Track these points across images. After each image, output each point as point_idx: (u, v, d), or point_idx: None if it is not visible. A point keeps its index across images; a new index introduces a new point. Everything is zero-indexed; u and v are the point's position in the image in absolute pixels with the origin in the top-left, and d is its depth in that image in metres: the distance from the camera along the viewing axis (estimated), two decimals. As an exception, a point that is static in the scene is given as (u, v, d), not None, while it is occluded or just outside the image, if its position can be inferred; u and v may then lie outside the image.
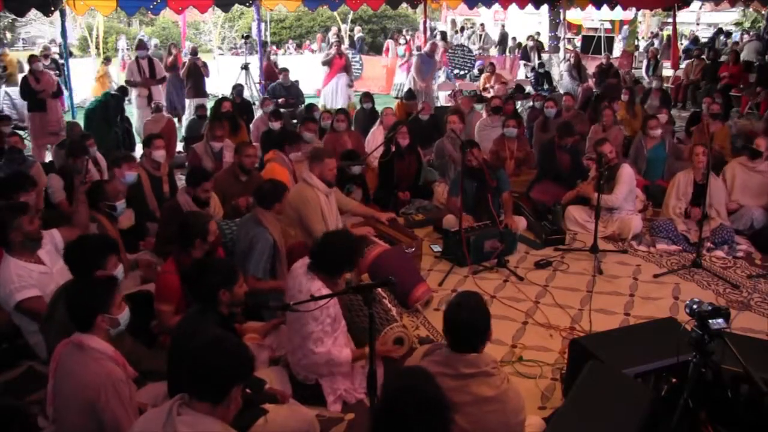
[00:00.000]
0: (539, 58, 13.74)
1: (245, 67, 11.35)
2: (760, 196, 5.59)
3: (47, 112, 8.05)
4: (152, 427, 2.04)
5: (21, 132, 7.81)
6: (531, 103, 9.58)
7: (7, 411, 2.09)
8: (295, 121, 8.97)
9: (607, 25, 18.47)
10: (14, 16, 14.72)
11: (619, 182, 5.56)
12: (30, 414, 2.81)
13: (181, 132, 9.09)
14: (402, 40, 16.17)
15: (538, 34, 15.85)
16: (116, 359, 2.53)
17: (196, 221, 3.60)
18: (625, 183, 5.56)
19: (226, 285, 2.87)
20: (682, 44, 18.32)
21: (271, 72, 11.80)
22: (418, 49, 11.10)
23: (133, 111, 9.43)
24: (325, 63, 11.63)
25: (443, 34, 14.81)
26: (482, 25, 18.28)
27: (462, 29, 19.37)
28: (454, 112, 6.91)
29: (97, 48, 16.12)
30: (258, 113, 8.88)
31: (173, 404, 2.04)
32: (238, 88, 9.39)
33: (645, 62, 14.26)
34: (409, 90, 9.70)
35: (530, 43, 14.95)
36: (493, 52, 16.94)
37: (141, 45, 9.61)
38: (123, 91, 8.91)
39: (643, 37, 20.64)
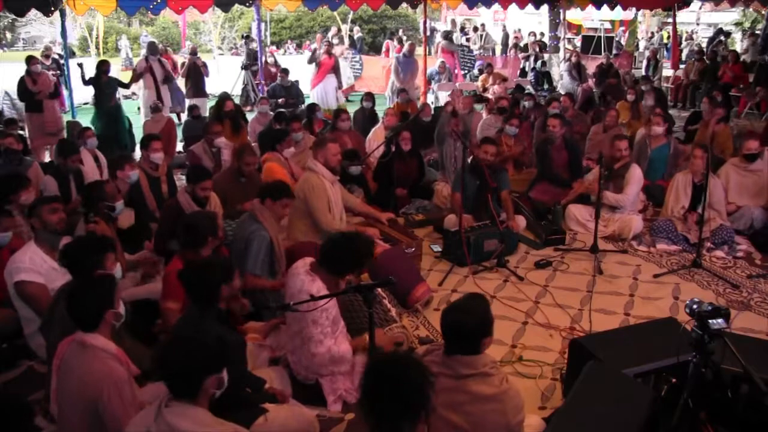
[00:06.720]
0: (541, 57, 13.72)
1: (245, 67, 11.34)
2: (757, 195, 5.58)
3: (44, 113, 8.00)
4: (145, 422, 2.15)
5: (21, 132, 7.78)
6: (533, 102, 9.58)
7: (14, 407, 2.12)
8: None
9: (607, 25, 18.43)
10: (14, 16, 14.73)
11: (629, 183, 5.56)
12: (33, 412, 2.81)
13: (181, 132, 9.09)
14: (396, 42, 16.08)
15: (542, 34, 15.81)
16: (119, 357, 2.54)
17: (205, 219, 3.65)
18: (635, 184, 5.57)
19: (226, 280, 2.90)
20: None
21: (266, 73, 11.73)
22: (409, 53, 10.95)
23: (141, 111, 9.43)
24: (311, 61, 11.19)
25: (448, 34, 14.71)
26: (482, 25, 18.22)
27: (462, 29, 19.35)
28: (452, 115, 6.90)
29: (97, 48, 16.14)
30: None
31: (162, 399, 2.17)
32: (250, 95, 9.38)
33: (645, 62, 14.26)
34: (403, 89, 9.71)
35: (531, 39, 14.90)
36: (496, 52, 16.88)
37: (153, 49, 9.54)
38: (101, 65, 8.42)
39: (642, 38, 20.61)
